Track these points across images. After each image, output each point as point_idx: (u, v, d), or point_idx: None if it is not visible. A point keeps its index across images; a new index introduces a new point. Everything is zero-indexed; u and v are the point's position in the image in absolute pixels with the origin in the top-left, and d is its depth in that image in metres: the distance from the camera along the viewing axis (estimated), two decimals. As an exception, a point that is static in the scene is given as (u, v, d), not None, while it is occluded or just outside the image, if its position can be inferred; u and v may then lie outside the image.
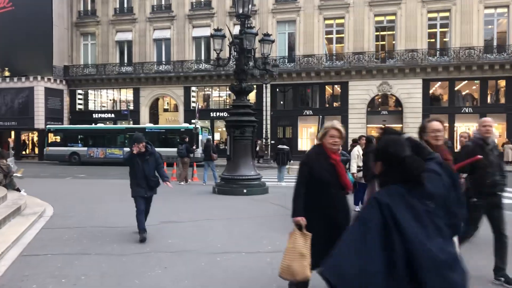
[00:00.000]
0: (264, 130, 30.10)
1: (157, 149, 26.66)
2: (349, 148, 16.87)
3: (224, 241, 6.77)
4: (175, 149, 27.66)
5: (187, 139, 18.05)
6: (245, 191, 12.02)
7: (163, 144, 27.70)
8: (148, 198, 7.21)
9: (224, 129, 37.07)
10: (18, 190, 11.59)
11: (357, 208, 10.03)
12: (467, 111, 31.29)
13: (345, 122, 32.72)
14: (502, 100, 30.97)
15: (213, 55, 30.35)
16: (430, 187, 2.56)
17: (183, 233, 7.31)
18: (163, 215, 9.01)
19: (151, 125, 31.09)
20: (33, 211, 8.82)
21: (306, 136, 34.19)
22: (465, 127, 32.37)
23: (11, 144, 32.74)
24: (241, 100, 12.96)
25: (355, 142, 10.38)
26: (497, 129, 31.84)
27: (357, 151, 9.92)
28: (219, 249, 6.26)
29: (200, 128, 27.00)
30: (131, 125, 33.00)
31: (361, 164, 9.68)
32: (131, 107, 36.26)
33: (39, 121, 35.40)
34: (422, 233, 2.43)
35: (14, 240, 6.50)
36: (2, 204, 8.67)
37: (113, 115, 37.45)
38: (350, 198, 9.78)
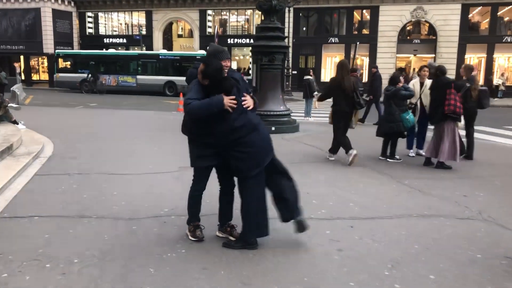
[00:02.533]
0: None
1: (172, 78, 25.29)
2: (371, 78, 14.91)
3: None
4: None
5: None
6: (273, 128, 10.42)
7: (178, 73, 25.93)
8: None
9: (242, 57, 35.57)
10: (15, 122, 10.17)
11: (411, 153, 8.44)
12: (509, 40, 28.53)
13: (373, 51, 30.41)
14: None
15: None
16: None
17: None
18: (180, 157, 7.56)
19: (165, 51, 29.06)
20: (27, 151, 7.40)
21: (330, 66, 31.94)
22: (505, 58, 29.88)
23: (18, 70, 31.12)
24: (271, 21, 11.02)
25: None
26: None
27: (413, 84, 8.17)
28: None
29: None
30: (144, 51, 31.02)
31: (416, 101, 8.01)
32: (144, 32, 34.04)
33: (48, 45, 33.63)
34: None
35: (-5, 192, 5.11)
36: (-9, 142, 7.25)
37: (125, 40, 35.41)
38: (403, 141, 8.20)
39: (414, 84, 8.17)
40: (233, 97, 3.60)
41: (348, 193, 5.67)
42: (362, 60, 31.50)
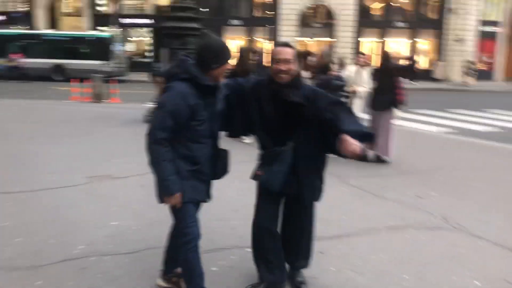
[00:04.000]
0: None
1: (60, 61, 22.24)
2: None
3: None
4: (82, 61, 23.77)
5: None
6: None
7: (67, 55, 23.24)
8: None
9: (140, 38, 33.23)
10: None
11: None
12: (399, 25, 30.02)
13: (274, 35, 30.14)
14: (433, 15, 30.01)
15: None
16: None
17: (130, 195, 4.73)
18: (88, 163, 6.24)
19: (51, 31, 25.91)
20: None
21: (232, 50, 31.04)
22: (396, 43, 31.47)
23: None
24: (182, 1, 9.82)
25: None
26: (424, 44, 31.33)
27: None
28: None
29: (111, 36, 22.79)
30: (26, 31, 27.40)
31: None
32: (24, 9, 30.13)
33: None
34: None
35: None
36: None
37: (5, 17, 31.08)
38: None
39: (351, 70, 7.60)
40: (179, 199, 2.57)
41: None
42: (261, 44, 31.12)
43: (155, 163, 2.53)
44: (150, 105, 10.44)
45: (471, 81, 26.59)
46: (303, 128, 2.76)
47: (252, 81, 2.99)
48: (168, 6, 10.31)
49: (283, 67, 2.69)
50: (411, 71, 11.67)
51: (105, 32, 23.21)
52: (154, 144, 2.50)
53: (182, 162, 2.57)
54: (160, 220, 4.13)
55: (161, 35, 10.19)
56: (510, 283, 3.25)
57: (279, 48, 2.77)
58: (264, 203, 2.93)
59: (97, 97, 13.96)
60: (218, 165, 2.78)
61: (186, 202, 2.59)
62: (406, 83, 14.07)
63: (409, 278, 3.29)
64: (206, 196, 2.76)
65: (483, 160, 7.39)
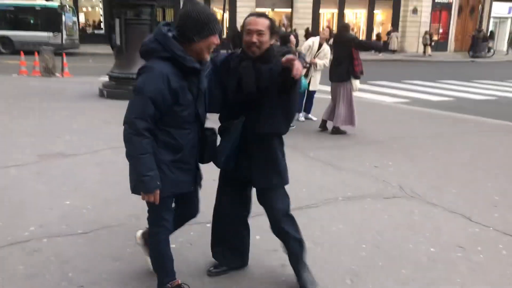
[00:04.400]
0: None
1: (7, 33, 20.92)
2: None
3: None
4: (30, 33, 22.50)
5: None
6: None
7: (15, 26, 21.99)
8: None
9: (91, 9, 31.81)
10: None
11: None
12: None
13: (233, 5, 29.60)
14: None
15: None
16: None
17: (83, 173, 4.56)
18: (39, 140, 5.96)
19: (-4, 1, 24.33)
20: None
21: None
22: (353, 14, 31.59)
23: None
24: (134, -32, 9.38)
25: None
26: (382, 16, 31.67)
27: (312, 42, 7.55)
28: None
29: (67, 7, 21.65)
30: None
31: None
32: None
33: None
34: None
35: None
36: None
37: None
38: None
39: (314, 41, 7.51)
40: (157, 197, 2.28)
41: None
42: (221, 15, 30.50)
43: (133, 157, 2.21)
44: (105, 78, 10.09)
45: (429, 51, 27.33)
46: (263, 105, 2.52)
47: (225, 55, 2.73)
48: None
49: (254, 38, 2.46)
50: (378, 46, 11.75)
51: (54, 1, 21.96)
52: (135, 135, 2.17)
53: (163, 150, 2.29)
54: (115, 198, 4.03)
55: (112, 5, 9.72)
56: (463, 248, 3.36)
57: (252, 18, 2.51)
58: (221, 187, 2.82)
59: (48, 71, 13.32)
60: (205, 150, 2.51)
61: (164, 197, 2.33)
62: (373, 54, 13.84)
63: (366, 247, 3.34)
64: (189, 186, 2.48)
65: (437, 129, 7.60)
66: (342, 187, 4.62)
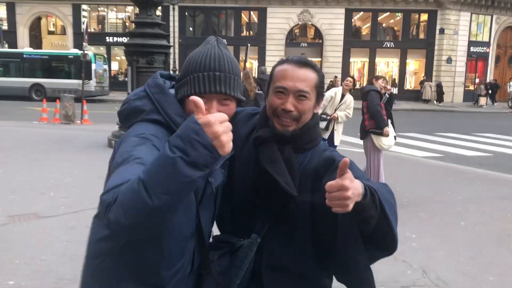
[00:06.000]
0: (172, 61, 25.93)
1: (40, 80, 21.28)
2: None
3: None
4: (62, 81, 22.96)
5: None
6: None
7: (47, 74, 22.55)
8: None
9: (124, 57, 32.64)
10: None
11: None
12: (388, 45, 29.68)
13: (262, 54, 29.72)
14: (422, 35, 29.76)
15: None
16: None
17: (52, 245, 3.91)
18: (19, 197, 5.40)
19: (31, 49, 25.20)
20: None
21: (219, 69, 30.53)
22: (385, 63, 31.12)
23: None
24: (148, 16, 9.13)
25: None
26: (415, 65, 31.05)
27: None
28: None
29: (92, 55, 22.08)
30: (5, 49, 26.67)
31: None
32: (5, 27, 29.51)
33: None
34: None
35: None
36: None
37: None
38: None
39: (337, 92, 6.87)
40: None
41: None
42: (251, 63, 30.65)
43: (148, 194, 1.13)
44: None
45: (482, 102, 26.60)
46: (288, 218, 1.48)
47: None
48: (133, 22, 9.61)
49: (290, 105, 1.45)
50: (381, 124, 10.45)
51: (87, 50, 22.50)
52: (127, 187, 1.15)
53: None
54: (73, 278, 3.33)
55: (125, 52, 9.45)
56: None
57: (288, 68, 1.48)
58: None
59: (67, 118, 13.18)
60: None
61: None
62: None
63: None
64: None
65: (471, 191, 6.66)
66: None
